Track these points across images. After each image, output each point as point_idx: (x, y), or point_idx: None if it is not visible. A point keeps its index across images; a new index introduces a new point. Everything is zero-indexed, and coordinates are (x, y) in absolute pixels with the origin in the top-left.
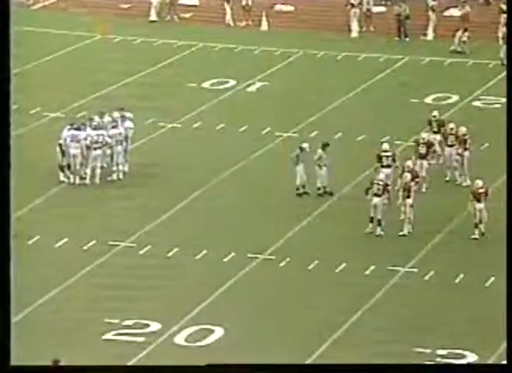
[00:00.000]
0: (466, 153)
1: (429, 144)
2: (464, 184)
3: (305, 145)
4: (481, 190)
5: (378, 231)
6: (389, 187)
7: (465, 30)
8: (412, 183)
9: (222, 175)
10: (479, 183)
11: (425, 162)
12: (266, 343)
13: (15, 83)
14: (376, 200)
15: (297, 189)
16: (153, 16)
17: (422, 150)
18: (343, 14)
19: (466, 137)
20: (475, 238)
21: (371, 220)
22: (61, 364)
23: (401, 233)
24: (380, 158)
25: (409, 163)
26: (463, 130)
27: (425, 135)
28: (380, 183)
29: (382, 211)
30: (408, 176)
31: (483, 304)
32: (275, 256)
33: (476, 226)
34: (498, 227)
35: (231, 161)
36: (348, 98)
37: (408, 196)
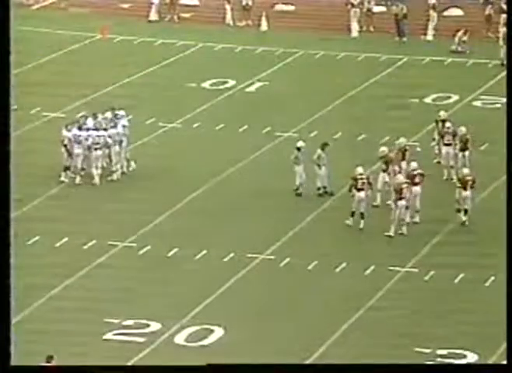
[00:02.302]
0: (466, 153)
1: (388, 159)
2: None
3: (300, 144)
4: (468, 178)
5: (362, 224)
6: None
7: (466, 32)
8: (405, 185)
9: (222, 175)
10: (466, 170)
11: (382, 175)
12: (266, 343)
13: (15, 83)
14: (361, 194)
15: (297, 189)
16: (153, 16)
17: (383, 165)
18: (343, 14)
19: (467, 136)
20: (462, 223)
21: (352, 214)
22: (61, 363)
23: (399, 233)
24: (403, 153)
25: (402, 165)
26: (463, 130)
27: (384, 148)
28: (363, 177)
29: (366, 205)
30: (400, 177)
31: (483, 304)
32: (275, 256)
33: (459, 211)
34: (499, 227)
35: (231, 161)
36: (348, 98)
37: (401, 198)
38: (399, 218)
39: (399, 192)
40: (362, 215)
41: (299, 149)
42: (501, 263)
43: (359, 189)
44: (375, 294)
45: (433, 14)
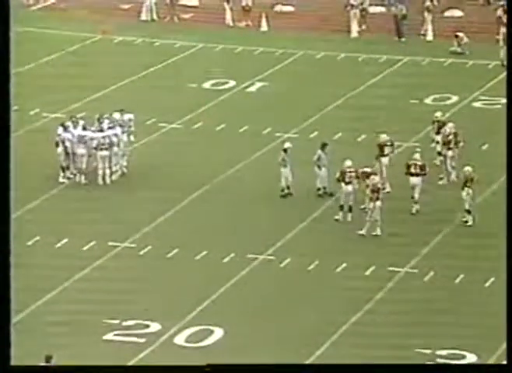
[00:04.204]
0: (449, 153)
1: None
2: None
3: (287, 145)
4: (472, 176)
5: (349, 217)
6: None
7: (460, 35)
8: (380, 185)
9: (223, 175)
10: (469, 169)
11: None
12: (266, 343)
13: (15, 83)
14: (348, 188)
15: (282, 190)
16: (144, 16)
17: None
18: (343, 14)
19: (450, 137)
20: (466, 222)
21: (341, 208)
22: (61, 364)
23: (360, 232)
24: (381, 148)
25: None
26: (447, 130)
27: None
28: (352, 170)
29: (354, 198)
30: (376, 178)
31: (483, 304)
32: (275, 256)
33: (469, 212)
34: (499, 227)
35: (231, 161)
36: (347, 98)
37: (377, 199)
38: (374, 219)
39: (376, 192)
40: (350, 209)
41: (285, 151)
42: (501, 264)
43: (346, 183)
44: (375, 295)
45: (428, 16)
